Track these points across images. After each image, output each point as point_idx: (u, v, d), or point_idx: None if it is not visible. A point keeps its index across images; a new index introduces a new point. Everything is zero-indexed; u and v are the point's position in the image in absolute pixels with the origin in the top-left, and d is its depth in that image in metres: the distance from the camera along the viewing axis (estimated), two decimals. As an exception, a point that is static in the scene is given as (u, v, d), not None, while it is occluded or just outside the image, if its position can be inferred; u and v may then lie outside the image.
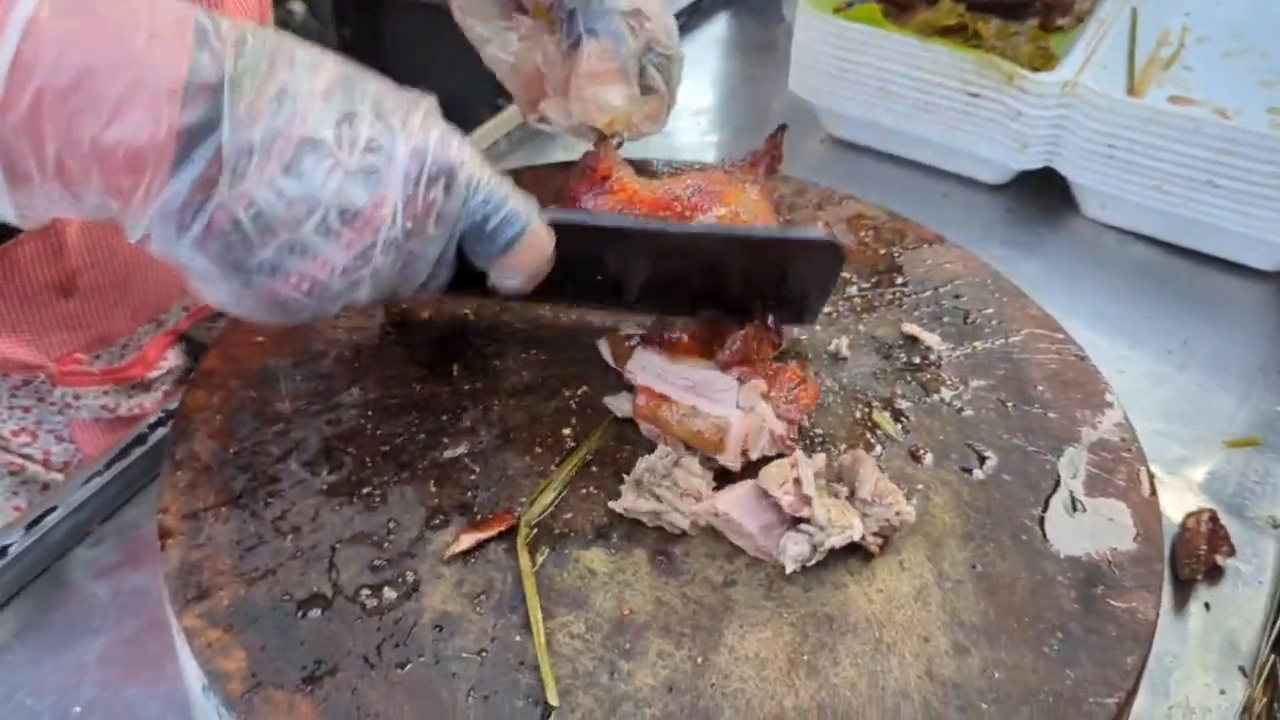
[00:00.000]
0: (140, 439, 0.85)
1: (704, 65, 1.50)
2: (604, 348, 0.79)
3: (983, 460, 0.75)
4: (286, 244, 0.58)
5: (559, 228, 0.69)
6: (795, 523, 0.67)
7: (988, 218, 1.21)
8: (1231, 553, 0.85)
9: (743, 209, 0.79)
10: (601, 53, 0.83)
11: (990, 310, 0.88)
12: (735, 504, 0.68)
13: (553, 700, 0.59)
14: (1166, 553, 0.85)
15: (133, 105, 0.53)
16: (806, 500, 0.66)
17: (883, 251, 0.93)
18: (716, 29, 1.57)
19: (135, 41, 0.53)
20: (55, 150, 0.53)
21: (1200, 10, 1.37)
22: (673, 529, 0.68)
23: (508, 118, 1.25)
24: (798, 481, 0.67)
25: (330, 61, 0.60)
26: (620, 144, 0.86)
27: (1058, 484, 0.74)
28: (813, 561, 0.66)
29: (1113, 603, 0.67)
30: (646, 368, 0.74)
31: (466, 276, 0.68)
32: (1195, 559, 0.84)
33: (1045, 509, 0.72)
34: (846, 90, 1.25)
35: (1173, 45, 1.33)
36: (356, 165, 0.58)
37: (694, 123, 1.35)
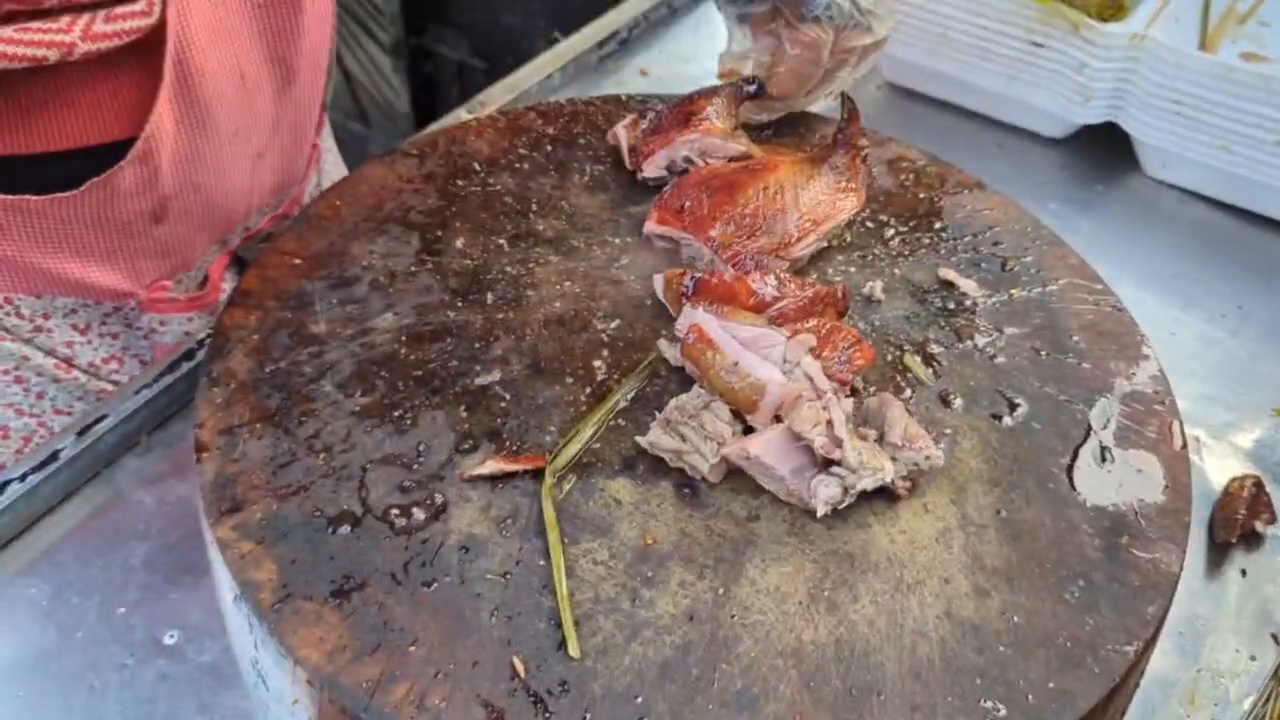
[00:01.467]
0: (189, 354, 0.87)
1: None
2: (658, 283, 0.78)
3: (1013, 407, 0.74)
4: None
5: None
6: (826, 465, 0.67)
7: (1043, 172, 1.18)
8: (1272, 520, 0.84)
9: (790, 192, 0.82)
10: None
11: (1029, 258, 0.86)
12: (766, 447, 0.67)
13: (574, 653, 0.60)
14: (1206, 516, 0.84)
15: None
16: (838, 442, 0.66)
17: (922, 195, 0.91)
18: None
19: None
20: None
21: (1280, -37, 1.31)
22: (693, 472, 0.68)
23: (562, 51, 1.25)
24: (829, 423, 0.67)
25: None
26: (741, 88, 0.91)
27: (1088, 434, 0.73)
28: (844, 504, 0.66)
29: (1137, 553, 0.66)
30: (697, 319, 0.73)
31: None
32: (1233, 523, 0.82)
33: (1074, 458, 0.71)
34: (905, 35, 1.22)
35: (1250, -1, 1.28)
36: None
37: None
